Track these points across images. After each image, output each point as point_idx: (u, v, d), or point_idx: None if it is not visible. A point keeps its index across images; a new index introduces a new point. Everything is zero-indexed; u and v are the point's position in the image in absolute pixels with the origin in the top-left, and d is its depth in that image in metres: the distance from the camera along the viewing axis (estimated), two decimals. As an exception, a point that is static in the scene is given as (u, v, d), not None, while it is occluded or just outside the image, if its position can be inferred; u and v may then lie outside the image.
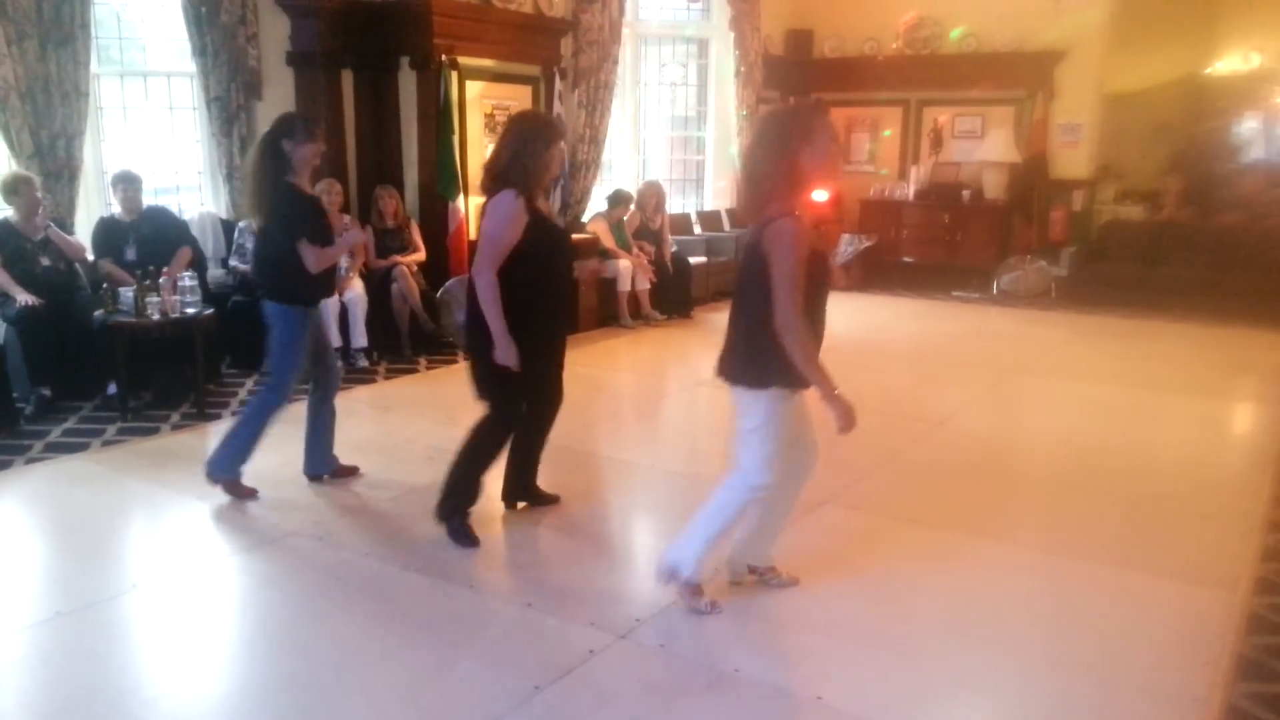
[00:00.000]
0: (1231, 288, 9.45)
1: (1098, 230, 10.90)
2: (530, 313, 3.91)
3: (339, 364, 4.93)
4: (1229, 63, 12.37)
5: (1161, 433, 6.04)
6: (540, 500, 4.54)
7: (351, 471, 4.91)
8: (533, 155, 3.83)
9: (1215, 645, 3.34)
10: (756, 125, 3.32)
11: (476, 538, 4.12)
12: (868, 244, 11.27)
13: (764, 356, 3.26)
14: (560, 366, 4.30)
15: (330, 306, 6.93)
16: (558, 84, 8.69)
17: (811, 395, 3.32)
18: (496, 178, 3.89)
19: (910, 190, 11.57)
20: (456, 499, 4.13)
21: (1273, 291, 9.23)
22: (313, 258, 4.41)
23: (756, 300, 3.22)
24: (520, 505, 4.50)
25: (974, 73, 11.00)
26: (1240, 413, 6.69)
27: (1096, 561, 4.05)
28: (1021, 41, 10.80)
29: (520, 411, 4.18)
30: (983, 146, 11.02)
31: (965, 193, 11.03)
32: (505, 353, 3.84)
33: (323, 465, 4.83)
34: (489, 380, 4.01)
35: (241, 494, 4.58)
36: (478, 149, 8.21)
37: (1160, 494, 4.84)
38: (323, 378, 4.81)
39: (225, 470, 4.58)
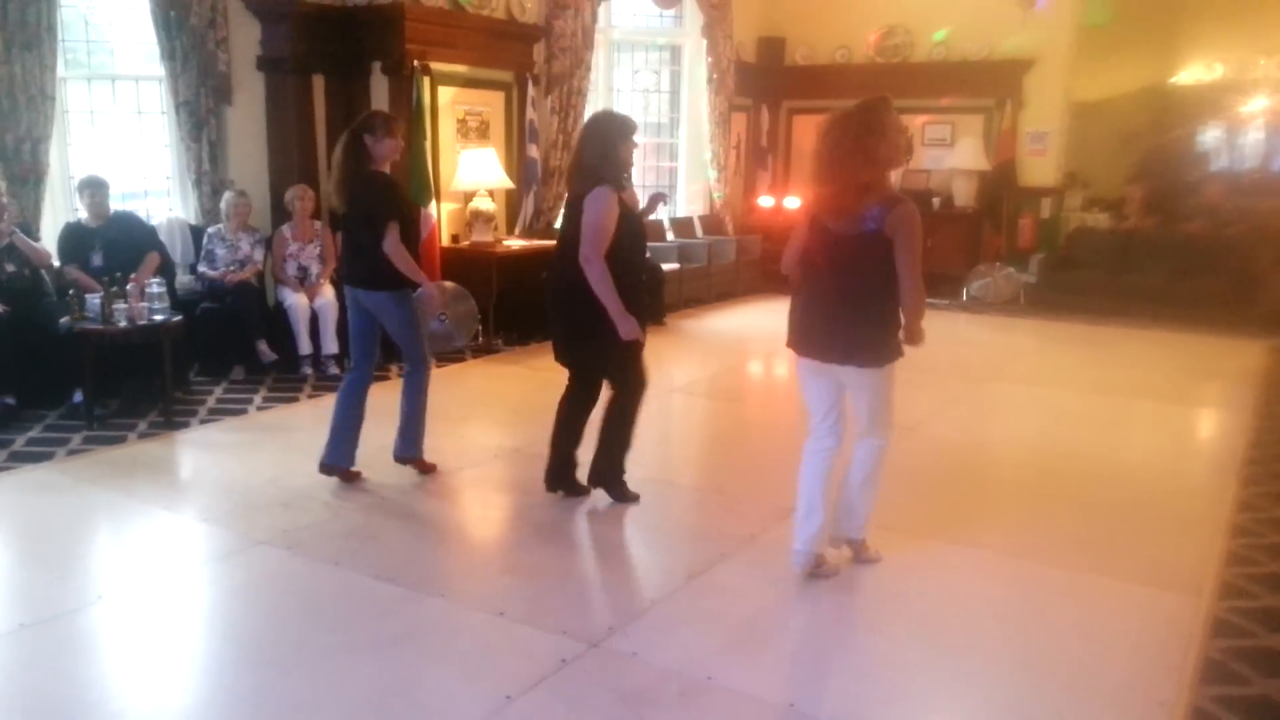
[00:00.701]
0: (1195, 294, 9.58)
1: (1065, 237, 11.01)
2: (625, 294, 4.24)
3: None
4: (1192, 73, 12.56)
5: (1128, 438, 6.11)
6: (623, 496, 4.74)
7: (430, 468, 5.14)
8: (615, 151, 4.24)
9: (1181, 649, 3.39)
10: (824, 126, 3.82)
11: (635, 494, 4.68)
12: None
13: (891, 334, 3.65)
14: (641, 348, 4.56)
15: (301, 313, 6.92)
16: (530, 90, 8.68)
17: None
18: (586, 176, 4.24)
19: (881, 197, 11.62)
20: (612, 469, 4.64)
21: (1235, 298, 9.37)
22: (391, 241, 4.58)
23: (878, 281, 3.54)
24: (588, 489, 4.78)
25: (944, 81, 11.10)
26: (1205, 418, 6.78)
27: (1064, 567, 4.09)
28: (990, 51, 10.91)
29: (598, 389, 4.58)
30: (953, 154, 11.12)
31: (935, 200, 11.12)
32: (627, 328, 4.25)
33: (344, 459, 4.93)
34: (594, 363, 4.46)
35: (427, 469, 5.03)
36: (450, 154, 8.20)
37: (1127, 499, 4.89)
38: (369, 365, 4.99)
39: (410, 449, 5.01)
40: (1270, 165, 12.33)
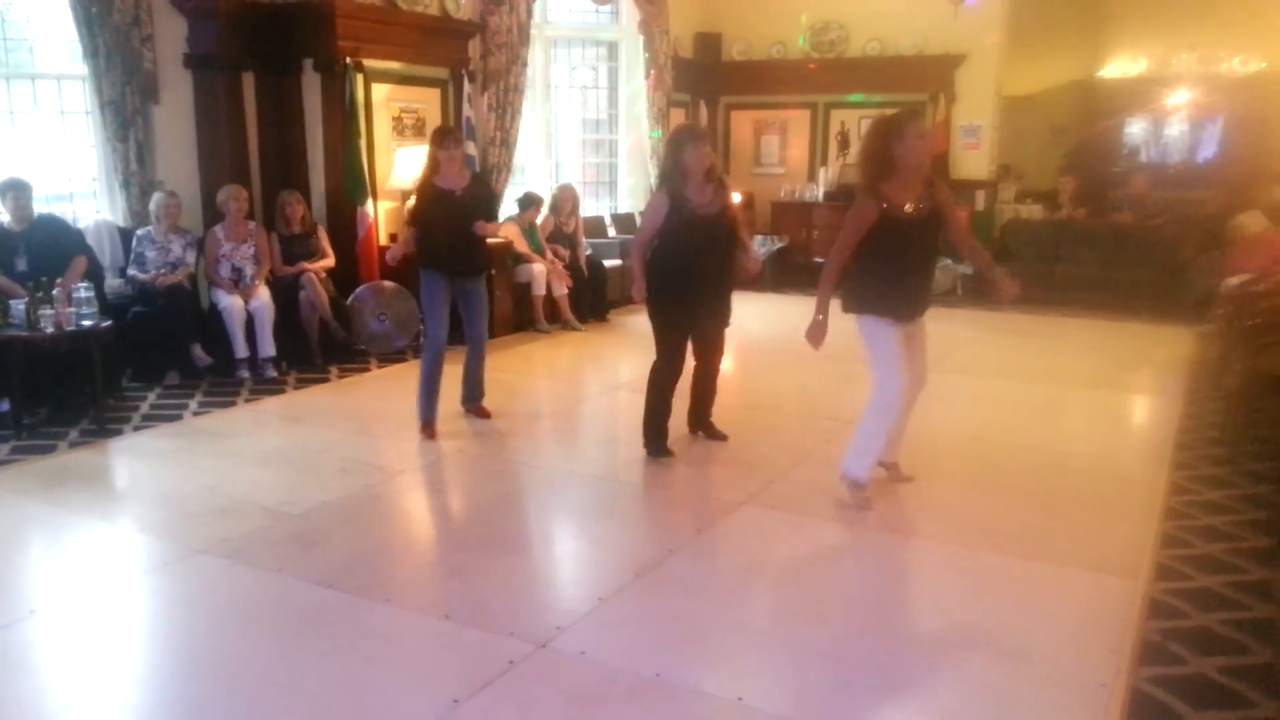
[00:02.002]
0: (1126, 284, 9.83)
1: (1000, 229, 11.20)
2: (668, 275, 5.06)
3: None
4: (1118, 66, 12.87)
5: (1065, 426, 6.24)
6: (712, 434, 5.61)
7: (485, 414, 6.05)
8: (672, 158, 5.09)
9: (1119, 631, 3.46)
10: (868, 129, 4.62)
11: (670, 451, 5.28)
12: (780, 245, 11.42)
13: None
14: (720, 322, 5.35)
15: (236, 315, 6.78)
16: (466, 87, 8.61)
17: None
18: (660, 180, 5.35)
19: (820, 192, 11.74)
20: (649, 425, 5.28)
21: (1164, 287, 9.62)
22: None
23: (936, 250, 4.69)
24: (698, 434, 5.64)
25: (878, 76, 11.23)
26: (1138, 405, 6.94)
27: (1004, 553, 4.16)
28: (924, 45, 11.05)
29: (673, 357, 5.24)
30: (888, 148, 11.24)
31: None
32: (637, 290, 5.14)
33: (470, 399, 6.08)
34: (654, 328, 5.23)
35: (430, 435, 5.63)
36: (386, 152, 8.09)
37: (1064, 486, 4.99)
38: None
39: (427, 413, 5.68)
40: (1193, 157, 12.70)
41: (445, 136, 5.66)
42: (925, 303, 4.67)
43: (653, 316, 5.20)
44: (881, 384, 4.51)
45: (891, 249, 4.38)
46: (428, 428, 5.65)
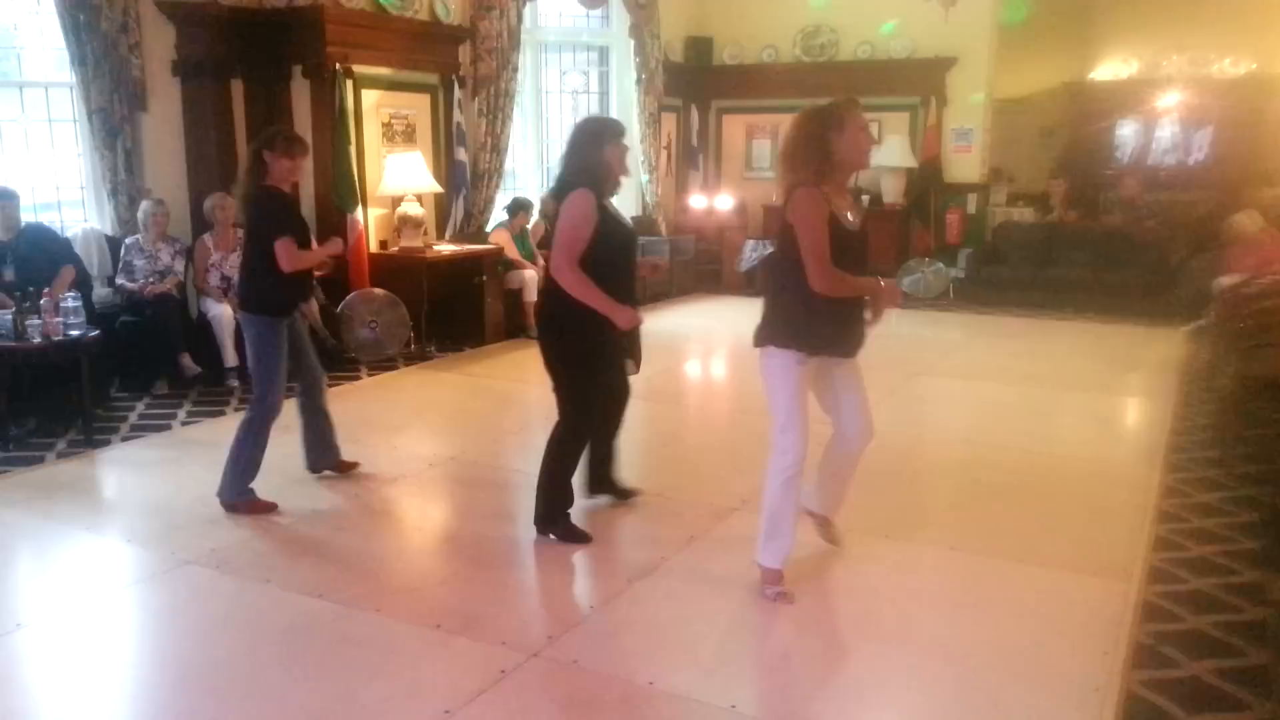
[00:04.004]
0: (1117, 286, 9.84)
1: (992, 232, 11.22)
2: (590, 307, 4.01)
3: (319, 366, 5.08)
4: (1108, 69, 12.89)
5: (1057, 429, 6.23)
6: (621, 493, 4.71)
7: (352, 467, 5.09)
8: (599, 154, 4.02)
9: (1113, 635, 3.45)
10: (795, 121, 3.62)
11: (587, 534, 4.29)
12: (771, 249, 11.42)
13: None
14: (626, 359, 4.52)
15: (225, 324, 6.75)
16: (457, 92, 8.59)
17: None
18: (566, 183, 4.05)
19: (810, 195, 11.72)
20: (557, 504, 4.29)
21: (1154, 289, 9.64)
22: (286, 255, 4.49)
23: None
24: (602, 497, 4.67)
25: (869, 80, 11.22)
26: (1130, 407, 6.94)
27: (998, 557, 4.15)
28: (914, 49, 11.06)
29: (594, 414, 4.31)
30: (880, 152, 11.22)
31: (864, 197, 11.23)
32: (625, 317, 4.03)
33: (323, 459, 5.02)
34: (569, 384, 4.19)
35: (259, 510, 4.58)
36: (375, 159, 8.07)
37: (1057, 489, 4.98)
38: (305, 380, 4.92)
39: (236, 493, 4.60)
40: (1184, 160, 12.71)
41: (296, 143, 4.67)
42: (863, 336, 3.73)
43: (575, 364, 4.15)
44: (779, 445, 3.64)
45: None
46: (248, 504, 4.64)
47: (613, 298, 4.00)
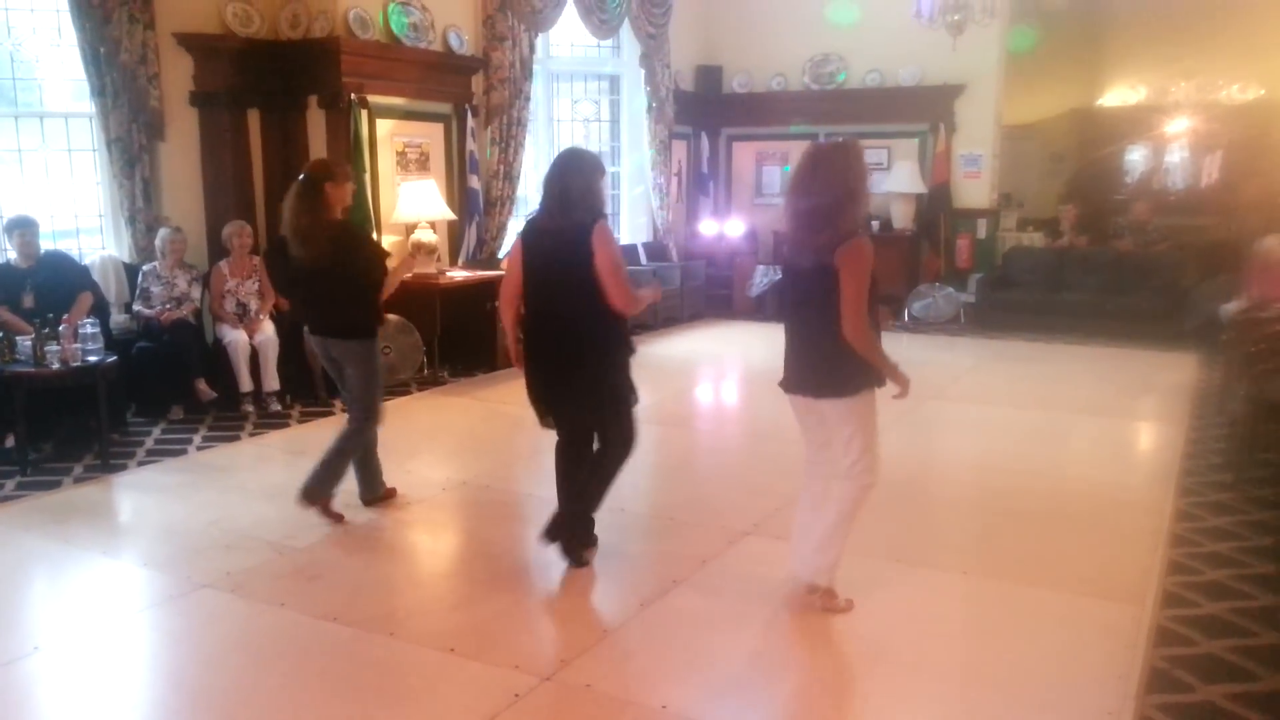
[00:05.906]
0: (1128, 310, 9.83)
1: (1002, 257, 11.24)
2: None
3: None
4: (1116, 95, 12.96)
5: (1069, 453, 6.22)
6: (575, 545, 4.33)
7: (392, 494, 5.13)
8: (597, 185, 4.11)
9: (1126, 658, 3.44)
10: (807, 159, 3.61)
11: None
12: (780, 276, 11.45)
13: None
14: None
15: (240, 349, 6.81)
16: (470, 121, 8.68)
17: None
18: (574, 210, 4.02)
19: (820, 221, 11.76)
20: (587, 531, 4.31)
21: (1165, 313, 9.62)
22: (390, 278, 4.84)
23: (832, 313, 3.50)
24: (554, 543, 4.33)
25: (878, 107, 11.30)
26: (1142, 431, 6.93)
27: (1010, 581, 4.14)
28: (923, 76, 11.13)
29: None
30: (890, 178, 11.30)
31: (874, 223, 11.28)
32: (650, 290, 4.44)
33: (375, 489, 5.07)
34: (622, 413, 4.18)
35: (331, 515, 4.77)
36: (389, 187, 8.15)
37: (1070, 513, 4.98)
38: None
39: (324, 491, 4.76)
40: (1193, 184, 12.74)
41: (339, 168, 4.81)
42: None
43: (627, 391, 4.19)
44: (859, 471, 3.68)
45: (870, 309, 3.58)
46: (325, 504, 4.83)
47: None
